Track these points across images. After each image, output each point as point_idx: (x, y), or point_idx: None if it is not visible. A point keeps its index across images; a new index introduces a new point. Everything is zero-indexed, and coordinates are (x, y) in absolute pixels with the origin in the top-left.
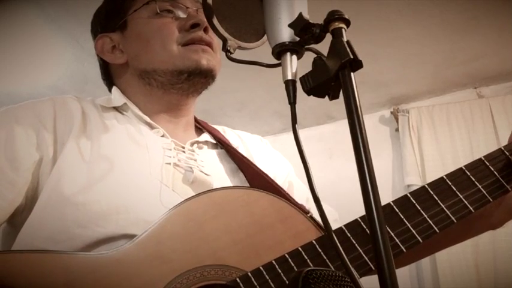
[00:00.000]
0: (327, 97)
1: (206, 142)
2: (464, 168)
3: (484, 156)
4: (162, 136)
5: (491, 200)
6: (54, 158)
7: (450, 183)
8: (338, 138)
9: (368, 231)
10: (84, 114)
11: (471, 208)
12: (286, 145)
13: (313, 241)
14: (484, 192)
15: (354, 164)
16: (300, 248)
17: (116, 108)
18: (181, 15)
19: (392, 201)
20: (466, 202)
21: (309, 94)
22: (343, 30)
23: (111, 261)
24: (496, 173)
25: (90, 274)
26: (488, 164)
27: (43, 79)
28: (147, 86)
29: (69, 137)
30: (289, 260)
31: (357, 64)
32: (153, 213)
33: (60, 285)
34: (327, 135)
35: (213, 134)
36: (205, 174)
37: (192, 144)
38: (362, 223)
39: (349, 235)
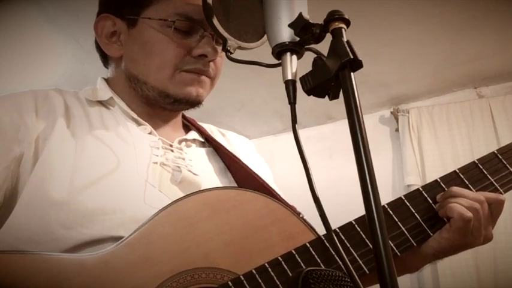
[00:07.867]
0: (327, 97)
1: (194, 140)
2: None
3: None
4: (150, 133)
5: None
6: (35, 155)
7: (408, 204)
8: (338, 138)
9: (362, 235)
10: (67, 108)
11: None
12: (286, 145)
13: (307, 244)
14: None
15: (354, 164)
16: (293, 251)
17: (101, 102)
18: (194, 37)
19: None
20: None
21: (309, 94)
22: (343, 30)
23: (98, 263)
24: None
25: (75, 277)
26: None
27: (43, 79)
28: (132, 89)
29: (52, 133)
30: (283, 262)
31: (357, 64)
32: (140, 215)
33: None
34: (327, 135)
35: (202, 131)
36: (194, 174)
37: (180, 142)
38: (356, 226)
39: (343, 238)
